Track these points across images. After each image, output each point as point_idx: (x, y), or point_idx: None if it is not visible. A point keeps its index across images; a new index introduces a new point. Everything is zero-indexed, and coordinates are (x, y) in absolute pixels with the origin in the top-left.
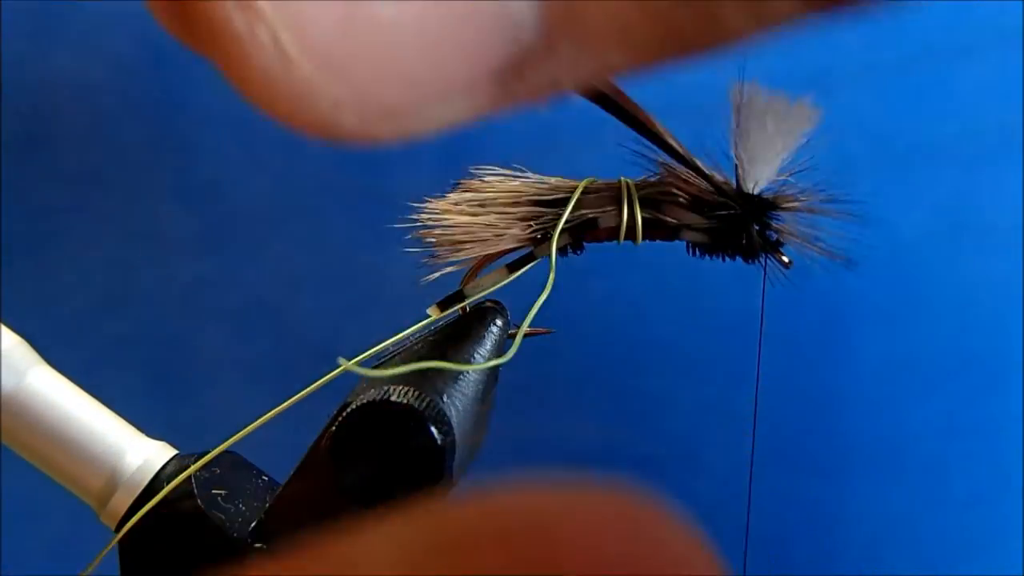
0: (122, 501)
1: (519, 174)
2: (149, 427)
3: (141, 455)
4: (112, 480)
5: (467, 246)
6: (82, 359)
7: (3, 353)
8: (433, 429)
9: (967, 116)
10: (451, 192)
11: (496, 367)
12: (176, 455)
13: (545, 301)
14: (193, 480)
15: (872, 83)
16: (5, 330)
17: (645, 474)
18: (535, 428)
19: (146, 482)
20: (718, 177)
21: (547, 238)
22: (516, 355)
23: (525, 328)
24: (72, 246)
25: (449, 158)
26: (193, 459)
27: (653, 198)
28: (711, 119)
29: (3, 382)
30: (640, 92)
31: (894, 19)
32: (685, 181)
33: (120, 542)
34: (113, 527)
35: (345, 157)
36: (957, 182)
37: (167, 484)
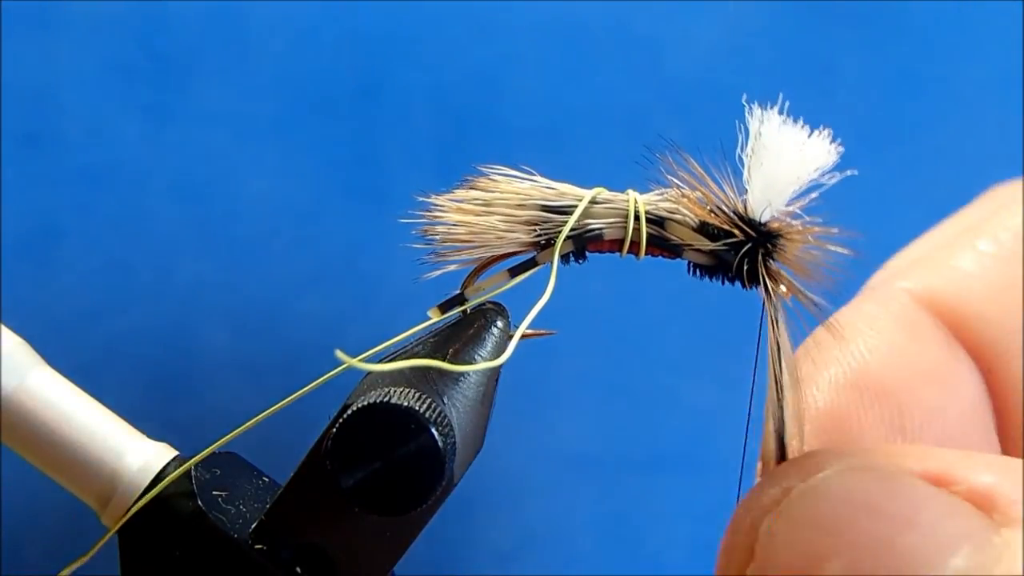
0: (123, 502)
1: (528, 176)
2: (149, 427)
3: (142, 456)
4: (112, 481)
5: (469, 246)
6: (82, 359)
7: (4, 354)
8: (434, 431)
9: (967, 116)
10: (457, 189)
11: (497, 368)
12: (177, 456)
13: (547, 300)
14: (194, 481)
15: (872, 83)
16: (6, 331)
17: (645, 474)
18: (535, 428)
19: (147, 483)
20: (728, 202)
21: (550, 244)
22: (516, 355)
23: (522, 330)
24: (72, 246)
25: (449, 158)
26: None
27: (660, 215)
28: (709, 119)
29: (4, 383)
30: (639, 92)
31: (894, 19)
32: (694, 203)
33: (121, 543)
34: (115, 528)
35: (345, 157)
36: (957, 182)
37: (169, 485)
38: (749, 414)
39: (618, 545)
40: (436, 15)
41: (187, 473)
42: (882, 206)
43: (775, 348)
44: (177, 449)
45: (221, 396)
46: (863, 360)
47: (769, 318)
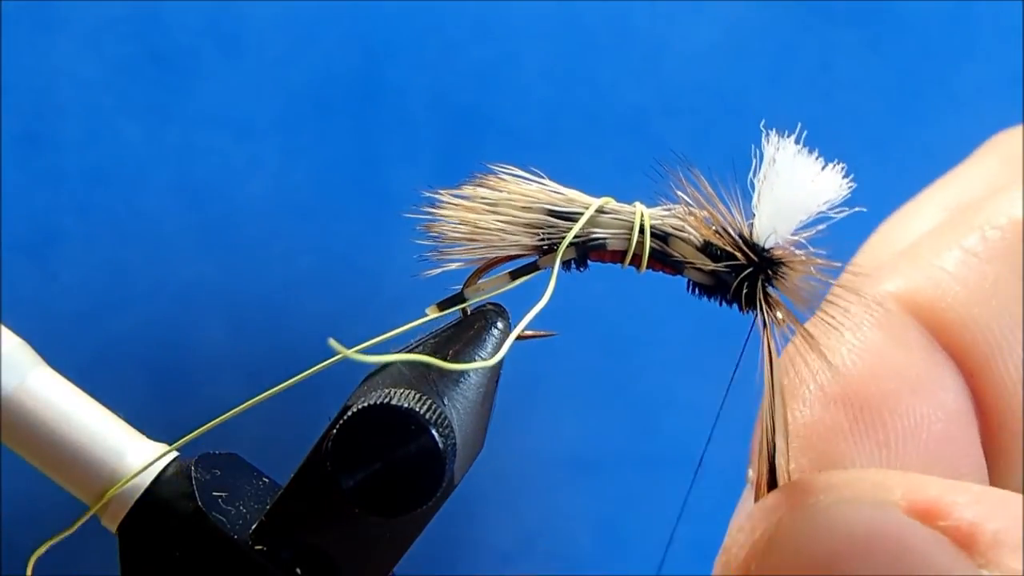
0: (122, 502)
1: (535, 179)
2: (149, 427)
3: (142, 456)
4: (112, 481)
5: (472, 246)
6: (82, 359)
7: (4, 354)
8: (434, 432)
9: (967, 116)
10: (464, 186)
11: (497, 369)
12: (177, 457)
13: (544, 304)
14: (193, 482)
15: (872, 83)
16: (5, 331)
17: (645, 474)
18: (535, 428)
19: (147, 484)
20: (734, 225)
21: (553, 249)
22: (516, 356)
23: (519, 331)
24: (72, 246)
25: (449, 158)
26: (193, 461)
27: (665, 231)
28: (709, 119)
29: (3, 383)
30: (638, 92)
31: (894, 19)
32: (700, 221)
33: (121, 543)
34: (114, 529)
35: (345, 157)
36: None
37: (168, 487)
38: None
39: (618, 545)
40: (436, 15)
41: (187, 474)
42: (880, 206)
43: (768, 374)
44: (177, 449)
45: (220, 396)
46: (846, 371)
47: (763, 345)
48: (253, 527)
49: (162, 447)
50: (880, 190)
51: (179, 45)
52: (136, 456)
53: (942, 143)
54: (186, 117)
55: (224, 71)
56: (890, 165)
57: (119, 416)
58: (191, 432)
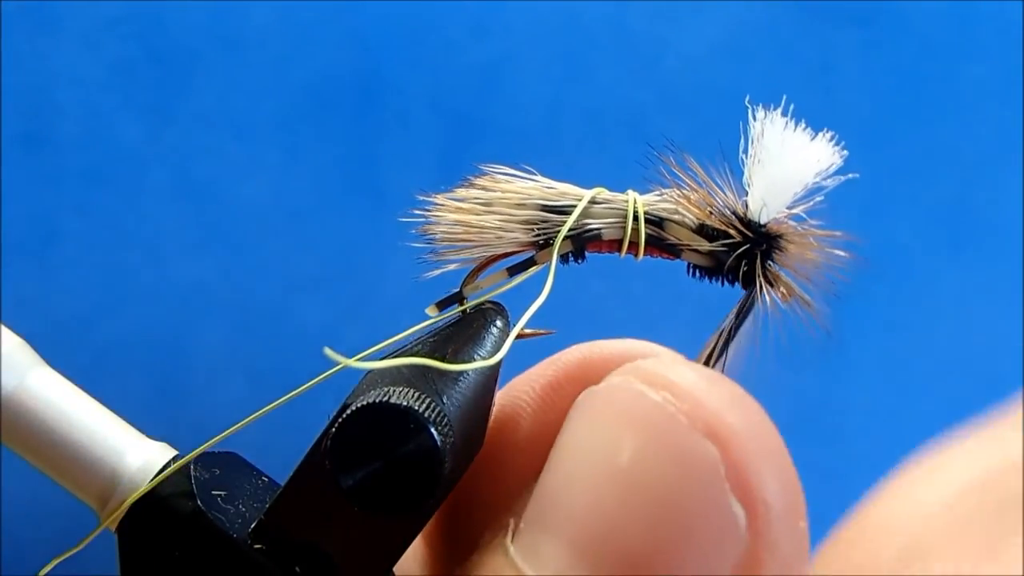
0: (122, 502)
1: (528, 176)
2: (149, 428)
3: (142, 456)
4: (112, 481)
5: (469, 245)
6: (82, 359)
7: (4, 354)
8: (433, 431)
9: (967, 116)
10: (458, 188)
11: (496, 368)
12: (176, 456)
13: (545, 299)
14: (193, 481)
15: (872, 83)
16: (5, 331)
17: None
18: None
19: (146, 483)
20: (727, 204)
21: (549, 244)
22: (516, 355)
23: (518, 330)
24: (72, 246)
25: (449, 158)
26: (193, 460)
27: (659, 215)
28: (709, 119)
29: (3, 383)
30: (639, 92)
31: (894, 19)
32: (694, 204)
33: (120, 543)
34: (114, 528)
35: (344, 157)
36: (957, 182)
37: (167, 485)
38: None
39: None
40: (436, 15)
41: (186, 473)
42: (881, 206)
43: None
44: (177, 449)
45: (220, 395)
46: None
47: (733, 311)
48: (252, 526)
49: (163, 446)
50: (880, 190)
51: (179, 45)
52: (136, 456)
53: (942, 143)
54: (186, 117)
55: (224, 71)
56: (890, 165)
57: (119, 416)
58: (199, 437)
